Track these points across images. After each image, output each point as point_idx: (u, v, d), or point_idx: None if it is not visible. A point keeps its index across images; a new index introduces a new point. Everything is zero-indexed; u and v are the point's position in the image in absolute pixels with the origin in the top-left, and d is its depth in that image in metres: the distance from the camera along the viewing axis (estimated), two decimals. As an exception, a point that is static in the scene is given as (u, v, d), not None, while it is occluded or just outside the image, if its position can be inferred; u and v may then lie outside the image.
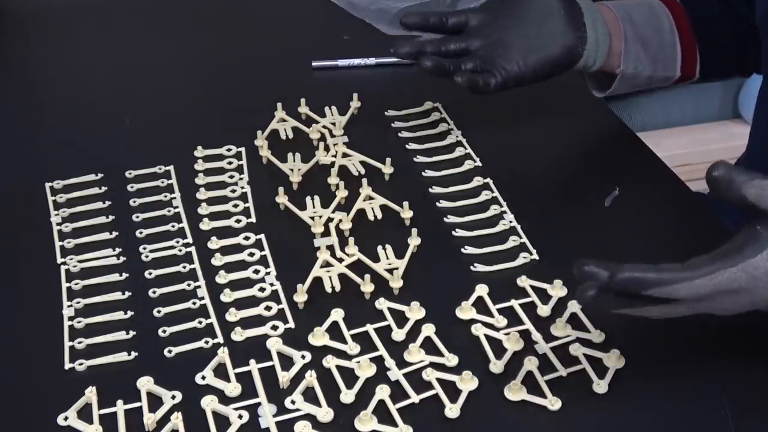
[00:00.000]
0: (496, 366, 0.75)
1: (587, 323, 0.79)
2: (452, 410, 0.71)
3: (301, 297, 0.81)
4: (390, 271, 0.84)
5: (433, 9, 1.25)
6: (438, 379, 0.74)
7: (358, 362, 0.75)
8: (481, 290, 0.82)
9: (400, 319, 0.80)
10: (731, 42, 1.01)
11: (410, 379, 0.74)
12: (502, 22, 0.94)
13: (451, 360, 0.76)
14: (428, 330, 0.79)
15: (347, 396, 0.73)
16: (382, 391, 0.73)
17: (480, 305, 0.81)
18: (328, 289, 0.82)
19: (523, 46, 0.93)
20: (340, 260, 0.85)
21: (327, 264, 0.84)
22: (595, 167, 1.00)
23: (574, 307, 0.80)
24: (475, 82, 0.93)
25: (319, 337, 0.78)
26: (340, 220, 0.90)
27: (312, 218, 0.90)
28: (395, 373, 0.75)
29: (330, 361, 0.75)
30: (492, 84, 0.93)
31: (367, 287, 0.82)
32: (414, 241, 0.87)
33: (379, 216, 0.91)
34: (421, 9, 0.97)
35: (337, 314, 0.80)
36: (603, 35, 0.94)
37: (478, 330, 0.78)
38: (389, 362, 0.76)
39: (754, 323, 0.70)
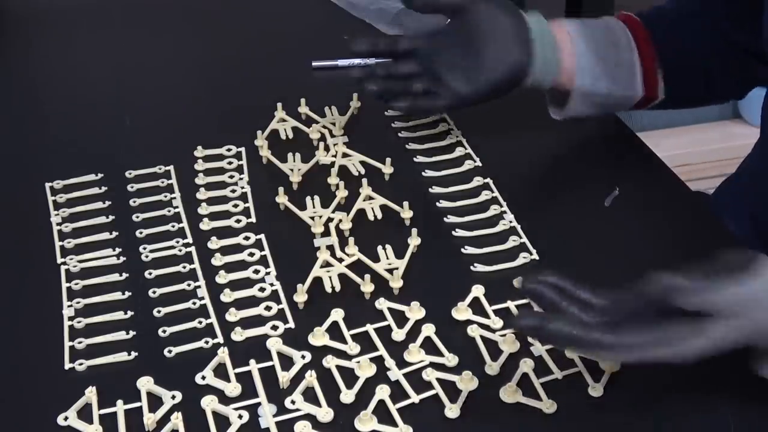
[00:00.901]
0: (492, 368, 0.75)
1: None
2: (452, 410, 0.71)
3: (301, 297, 0.81)
4: (390, 271, 0.84)
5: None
6: (438, 379, 0.74)
7: (358, 362, 0.75)
8: (478, 291, 0.82)
9: (400, 319, 0.80)
10: (709, 66, 0.98)
11: (410, 379, 0.74)
12: (450, 43, 0.94)
13: (451, 360, 0.76)
14: (428, 330, 0.79)
15: (347, 396, 0.73)
16: (382, 391, 0.73)
17: (476, 306, 0.81)
18: (328, 289, 0.82)
19: (469, 66, 0.92)
20: (340, 260, 0.85)
21: (327, 264, 0.84)
22: (595, 167, 1.00)
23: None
24: (417, 106, 0.95)
25: (319, 337, 0.78)
26: (340, 220, 0.90)
27: (312, 218, 0.90)
28: (395, 373, 0.75)
29: (330, 361, 0.75)
30: (437, 106, 0.94)
31: (367, 287, 0.82)
32: (414, 241, 0.87)
33: (379, 216, 0.91)
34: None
35: (337, 314, 0.80)
36: (552, 52, 0.92)
37: (474, 331, 0.78)
38: (389, 362, 0.76)
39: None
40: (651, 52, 0.95)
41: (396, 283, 0.82)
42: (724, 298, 0.64)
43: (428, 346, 0.77)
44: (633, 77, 0.94)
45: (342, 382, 0.74)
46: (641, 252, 0.88)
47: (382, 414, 0.71)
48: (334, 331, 0.79)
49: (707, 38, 0.97)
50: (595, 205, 0.93)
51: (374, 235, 0.89)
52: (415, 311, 0.80)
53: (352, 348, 0.77)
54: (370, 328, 0.79)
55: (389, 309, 0.81)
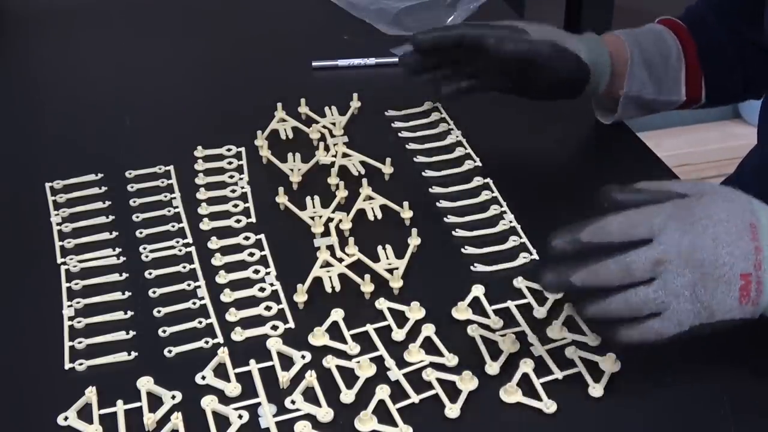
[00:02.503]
0: (492, 367, 0.75)
1: (583, 326, 0.79)
2: (452, 410, 0.71)
3: (301, 297, 0.81)
4: (390, 271, 0.84)
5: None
6: (438, 379, 0.74)
7: (358, 362, 0.75)
8: (478, 291, 0.82)
9: (400, 319, 0.80)
10: (738, 68, 1.01)
11: (410, 379, 0.74)
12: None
13: (451, 360, 0.76)
14: (428, 330, 0.79)
15: (347, 396, 0.73)
16: (382, 391, 0.73)
17: (476, 306, 0.81)
18: (328, 289, 0.82)
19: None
20: (340, 260, 0.85)
21: (327, 264, 0.84)
22: (595, 167, 1.00)
23: (570, 309, 0.80)
24: (472, 87, 0.98)
25: (319, 337, 0.78)
26: (340, 220, 0.90)
27: (312, 218, 0.90)
28: (395, 373, 0.75)
29: (330, 361, 0.75)
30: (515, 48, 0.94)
31: (367, 287, 0.82)
32: (414, 241, 0.87)
33: (379, 216, 0.91)
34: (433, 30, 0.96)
35: (337, 314, 0.80)
36: (605, 58, 0.95)
37: (474, 331, 0.78)
38: (389, 362, 0.76)
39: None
40: (695, 58, 0.98)
41: (396, 283, 0.82)
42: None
43: (428, 346, 0.77)
44: (678, 83, 0.98)
45: (342, 382, 0.74)
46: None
47: (382, 414, 0.71)
48: (334, 331, 0.79)
49: (732, 39, 1.00)
50: (596, 205, 0.93)
51: (374, 235, 0.89)
52: (415, 311, 0.80)
53: (352, 348, 0.77)
54: (370, 328, 0.79)
55: (389, 309, 0.81)
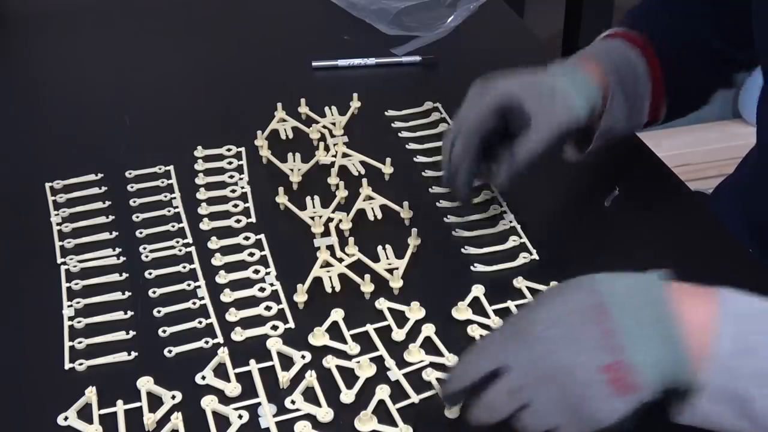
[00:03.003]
0: None
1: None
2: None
3: (301, 297, 0.81)
4: (390, 271, 0.84)
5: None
6: (438, 379, 0.74)
7: (358, 362, 0.75)
8: (478, 291, 0.82)
9: (400, 319, 0.80)
10: (696, 80, 0.98)
11: (410, 379, 0.74)
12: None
13: (451, 360, 0.76)
14: (428, 330, 0.79)
15: (347, 396, 0.73)
16: (382, 391, 0.73)
17: (477, 306, 0.81)
18: (328, 289, 0.82)
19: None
20: (340, 260, 0.85)
21: (327, 264, 0.84)
22: (595, 167, 1.00)
23: None
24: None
25: (319, 337, 0.78)
26: (340, 220, 0.90)
27: (312, 218, 0.90)
28: (395, 373, 0.75)
29: (330, 361, 0.75)
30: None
31: (367, 287, 0.82)
32: (414, 241, 0.87)
33: (379, 216, 0.91)
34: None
35: (337, 314, 0.80)
36: (598, 102, 0.89)
37: (474, 331, 0.78)
38: (389, 362, 0.76)
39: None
40: (661, 83, 0.94)
41: (396, 283, 0.82)
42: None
43: (428, 346, 0.77)
44: (643, 109, 0.94)
45: (342, 382, 0.74)
46: (641, 252, 0.88)
47: (382, 414, 0.71)
48: (334, 331, 0.79)
49: (697, 43, 0.97)
50: (595, 205, 0.93)
51: (374, 235, 0.89)
52: (415, 311, 0.80)
53: (352, 348, 0.77)
54: (370, 328, 0.79)
55: (389, 309, 0.81)
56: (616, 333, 0.59)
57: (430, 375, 0.74)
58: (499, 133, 0.85)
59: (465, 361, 0.66)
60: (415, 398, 0.73)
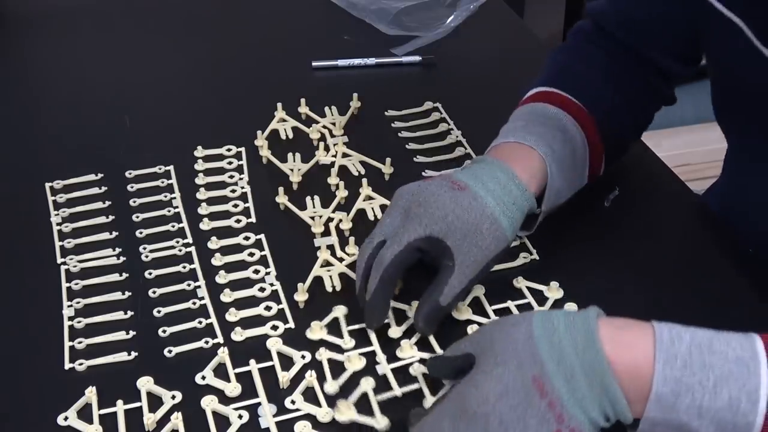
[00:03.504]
0: None
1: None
2: (431, 402, 0.71)
3: (301, 296, 0.81)
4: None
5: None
6: (424, 374, 0.74)
7: (348, 356, 0.75)
8: (478, 291, 0.82)
9: (401, 317, 0.80)
10: (627, 119, 0.95)
11: (398, 374, 0.74)
12: None
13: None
14: None
15: (331, 386, 0.73)
16: (367, 383, 0.72)
17: (476, 306, 0.81)
18: (329, 289, 0.82)
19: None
20: (341, 260, 0.85)
21: (327, 263, 0.84)
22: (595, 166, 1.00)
23: (570, 309, 0.80)
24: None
25: (316, 331, 0.78)
26: (341, 220, 0.90)
27: (312, 218, 0.90)
28: (383, 368, 0.75)
29: (322, 354, 0.76)
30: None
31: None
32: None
33: (380, 216, 0.91)
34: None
35: (339, 311, 0.80)
36: (532, 205, 0.82)
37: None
38: (380, 356, 0.76)
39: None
40: (599, 142, 0.90)
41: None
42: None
43: (425, 344, 0.77)
44: (584, 172, 0.89)
45: (330, 375, 0.74)
46: (641, 252, 0.88)
47: (365, 406, 0.71)
48: (334, 327, 0.79)
49: (634, 68, 0.95)
50: (595, 205, 0.93)
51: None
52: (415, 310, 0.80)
53: (347, 342, 0.77)
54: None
55: (392, 308, 0.81)
56: (558, 403, 0.60)
57: (417, 370, 0.75)
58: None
59: None
60: (398, 391, 0.73)
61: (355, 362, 0.75)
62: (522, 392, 0.61)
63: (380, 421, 0.70)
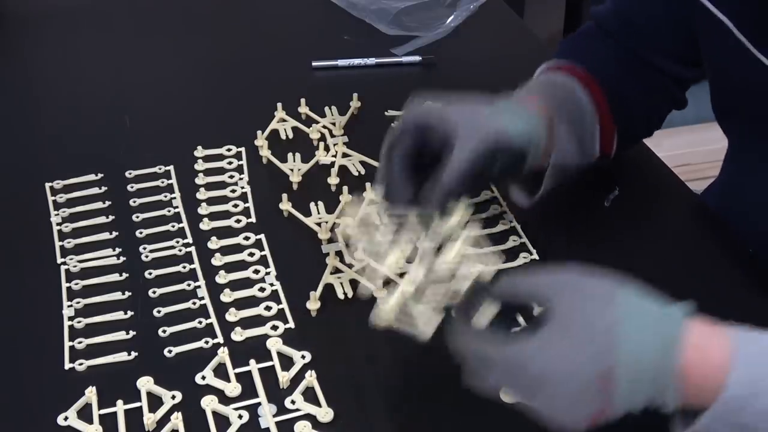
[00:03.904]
0: None
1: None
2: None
3: (314, 305, 0.81)
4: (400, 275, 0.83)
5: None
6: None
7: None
8: (479, 290, 0.82)
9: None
10: (642, 108, 0.96)
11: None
12: None
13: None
14: None
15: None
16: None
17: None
18: (341, 296, 0.82)
19: None
20: (350, 266, 0.85)
21: (337, 270, 0.84)
22: (595, 167, 1.00)
23: None
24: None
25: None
26: (347, 225, 0.89)
27: (318, 224, 0.89)
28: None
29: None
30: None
31: (379, 292, 0.81)
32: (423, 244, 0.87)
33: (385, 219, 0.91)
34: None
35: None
36: (542, 134, 0.84)
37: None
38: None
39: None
40: (608, 113, 0.90)
41: (408, 287, 0.82)
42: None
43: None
44: (594, 141, 0.90)
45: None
46: (641, 252, 0.88)
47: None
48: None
49: (640, 69, 0.95)
50: (595, 205, 0.93)
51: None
52: None
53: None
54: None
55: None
56: (612, 401, 0.60)
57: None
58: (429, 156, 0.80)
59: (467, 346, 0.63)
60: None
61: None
62: (585, 381, 0.59)
63: (423, 329, 0.69)
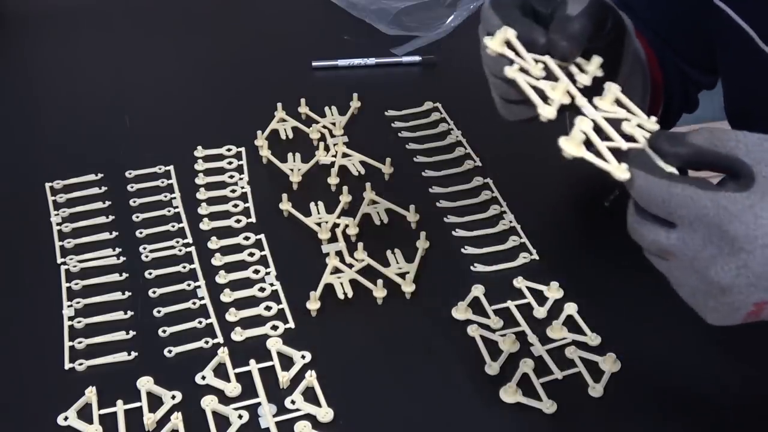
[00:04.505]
0: (492, 368, 0.75)
1: (583, 326, 0.79)
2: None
3: (314, 305, 0.81)
4: (401, 275, 0.83)
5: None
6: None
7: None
8: (478, 291, 0.82)
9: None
10: (678, 97, 0.98)
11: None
12: None
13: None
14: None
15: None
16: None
17: (477, 306, 0.81)
18: (341, 296, 0.82)
19: None
20: (350, 266, 0.85)
21: (337, 270, 0.84)
22: (595, 167, 1.00)
23: (570, 309, 0.80)
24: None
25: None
26: (347, 225, 0.89)
27: (318, 224, 0.89)
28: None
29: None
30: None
31: (380, 292, 0.81)
32: (423, 244, 0.87)
33: (386, 220, 0.91)
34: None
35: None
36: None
37: (474, 331, 0.78)
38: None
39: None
40: (657, 67, 0.92)
41: (408, 287, 0.82)
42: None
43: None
44: (647, 80, 0.88)
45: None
46: (641, 252, 0.88)
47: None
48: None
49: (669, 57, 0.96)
50: (595, 205, 0.93)
51: (381, 239, 0.88)
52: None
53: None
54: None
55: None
56: None
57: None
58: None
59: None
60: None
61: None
62: None
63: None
